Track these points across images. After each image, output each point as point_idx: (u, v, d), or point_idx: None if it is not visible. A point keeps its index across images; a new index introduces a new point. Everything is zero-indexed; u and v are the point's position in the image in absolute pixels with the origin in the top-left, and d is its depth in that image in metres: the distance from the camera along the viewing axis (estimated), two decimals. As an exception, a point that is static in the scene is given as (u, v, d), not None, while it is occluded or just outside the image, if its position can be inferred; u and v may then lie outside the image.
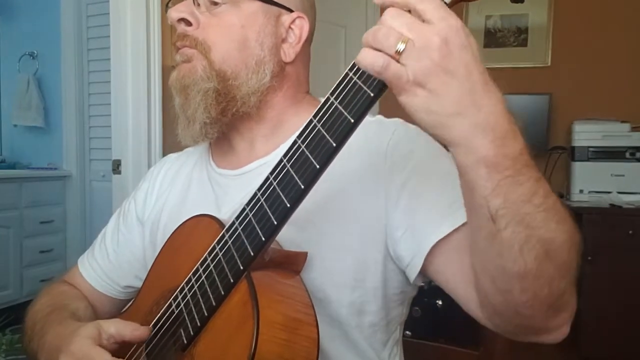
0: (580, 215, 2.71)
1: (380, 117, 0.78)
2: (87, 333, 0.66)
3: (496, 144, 0.47)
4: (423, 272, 0.70)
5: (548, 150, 3.12)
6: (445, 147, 0.50)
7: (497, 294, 0.56)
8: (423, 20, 0.46)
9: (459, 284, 0.65)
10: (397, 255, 0.70)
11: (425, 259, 0.67)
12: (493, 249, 0.52)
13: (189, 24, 0.76)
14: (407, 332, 0.84)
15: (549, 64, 3.21)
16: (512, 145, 0.48)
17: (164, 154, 2.21)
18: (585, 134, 2.92)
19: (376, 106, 0.55)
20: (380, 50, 0.46)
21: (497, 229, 0.49)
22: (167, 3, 0.85)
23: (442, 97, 0.46)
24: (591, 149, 2.91)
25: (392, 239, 0.70)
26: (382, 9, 0.49)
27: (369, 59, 0.46)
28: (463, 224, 0.63)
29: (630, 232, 2.63)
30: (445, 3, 0.48)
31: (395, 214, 0.69)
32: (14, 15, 3.78)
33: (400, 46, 0.45)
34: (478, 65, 0.47)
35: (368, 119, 0.76)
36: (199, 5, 0.76)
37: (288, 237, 0.65)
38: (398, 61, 0.46)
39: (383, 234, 0.70)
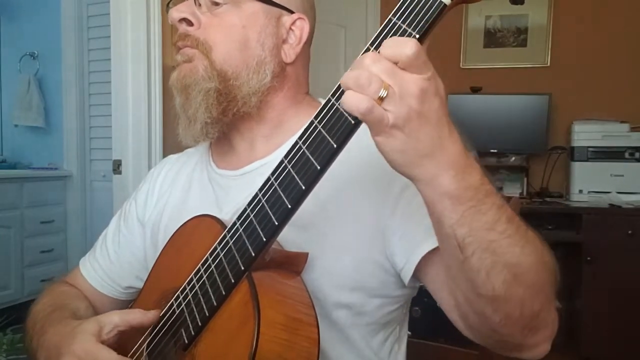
0: (579, 216, 2.71)
1: None
2: (88, 330, 0.66)
3: (457, 178, 0.50)
4: (417, 278, 0.70)
5: (547, 151, 3.13)
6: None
7: (474, 315, 0.58)
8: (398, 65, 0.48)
9: (445, 297, 0.66)
10: (393, 259, 0.71)
11: (419, 266, 0.68)
12: (463, 275, 0.54)
13: (190, 24, 0.76)
14: (407, 332, 0.84)
15: (549, 64, 3.21)
16: (472, 177, 0.51)
17: (165, 154, 2.22)
18: (585, 134, 2.92)
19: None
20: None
21: (465, 256, 0.52)
22: (168, 3, 0.85)
23: (417, 140, 0.49)
24: (590, 149, 2.91)
25: (389, 242, 0.70)
26: (387, 7, 0.50)
27: (354, 102, 0.48)
28: None
29: (630, 232, 2.63)
30: (445, 5, 0.49)
31: (393, 218, 0.70)
32: (14, 15, 3.78)
33: (383, 92, 0.47)
34: (445, 110, 0.50)
35: None
36: (200, 5, 0.76)
37: (289, 237, 0.65)
38: (380, 105, 0.48)
39: (382, 236, 0.71)
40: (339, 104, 0.52)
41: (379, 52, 0.48)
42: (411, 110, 0.47)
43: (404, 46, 0.47)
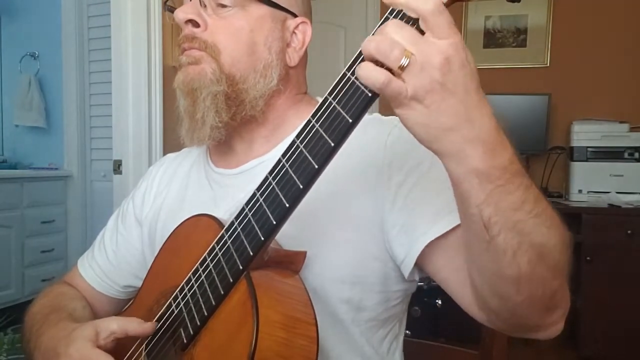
0: (579, 215, 2.71)
1: (377, 115, 0.79)
2: (85, 334, 0.66)
3: (487, 156, 0.48)
4: (421, 270, 0.71)
5: (547, 151, 3.13)
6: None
7: (494, 297, 0.57)
8: (423, 34, 0.47)
9: (456, 283, 0.66)
10: (393, 252, 0.71)
11: (423, 258, 0.68)
12: (487, 255, 0.53)
13: (196, 25, 0.75)
14: (407, 332, 0.84)
15: (548, 64, 3.21)
16: (502, 156, 0.49)
17: (165, 153, 2.21)
18: (584, 134, 2.92)
19: (375, 105, 0.55)
20: (382, 63, 0.47)
21: (491, 236, 0.51)
22: (166, 2, 0.84)
23: (439, 113, 0.47)
24: (590, 149, 2.91)
25: (388, 237, 0.71)
26: (386, 8, 0.49)
27: (371, 76, 0.47)
28: (458, 225, 0.64)
29: (629, 232, 2.63)
30: (443, 3, 0.49)
31: (391, 212, 0.70)
32: (15, 15, 3.78)
33: (404, 61, 0.46)
34: (475, 82, 0.48)
35: (366, 117, 0.77)
36: (205, 6, 0.75)
37: (287, 234, 0.65)
38: (400, 75, 0.46)
39: (381, 231, 0.71)
40: (337, 102, 0.52)
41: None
42: (433, 82, 0.46)
43: (426, 1, 0.46)
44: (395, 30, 0.46)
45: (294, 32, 0.78)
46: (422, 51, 0.46)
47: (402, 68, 0.46)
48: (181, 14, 0.75)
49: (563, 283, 0.57)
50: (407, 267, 0.69)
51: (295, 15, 0.78)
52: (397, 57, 0.46)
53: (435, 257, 0.67)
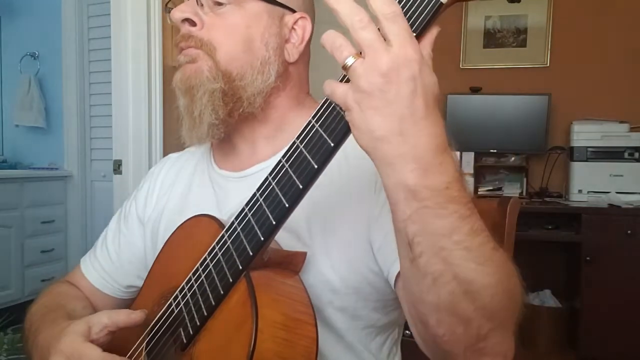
0: (579, 216, 2.71)
1: None
2: (76, 330, 0.66)
3: (415, 174, 0.48)
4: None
5: (547, 151, 3.12)
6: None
7: (418, 322, 0.56)
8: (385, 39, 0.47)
9: (405, 303, 0.64)
10: (379, 265, 0.70)
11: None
12: (412, 275, 0.52)
13: (193, 24, 0.75)
14: (407, 332, 0.84)
15: (548, 64, 3.21)
16: (435, 179, 0.48)
17: (165, 153, 2.22)
18: (584, 134, 2.92)
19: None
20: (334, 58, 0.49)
21: (414, 255, 0.50)
22: (167, 3, 0.84)
23: (371, 120, 0.47)
24: (590, 149, 2.91)
25: (373, 250, 0.70)
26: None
27: (327, 87, 0.50)
28: None
29: (629, 232, 2.63)
30: (442, 3, 0.49)
31: (375, 227, 0.69)
32: (15, 15, 3.78)
33: (349, 60, 0.47)
34: (422, 100, 0.47)
35: None
36: (202, 5, 0.75)
37: (283, 243, 0.65)
38: (346, 74, 0.48)
39: (369, 244, 0.70)
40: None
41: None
42: (373, 86, 0.46)
43: (385, 3, 0.47)
44: (360, 26, 0.47)
45: (293, 27, 0.77)
46: (372, 55, 0.46)
47: (345, 68, 0.47)
48: (177, 14, 0.75)
49: (498, 331, 0.53)
50: (391, 282, 0.68)
51: (293, 11, 0.77)
52: (344, 57, 0.47)
53: (398, 279, 0.66)
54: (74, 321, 0.69)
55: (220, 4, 0.75)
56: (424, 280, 0.51)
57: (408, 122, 0.47)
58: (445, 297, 0.50)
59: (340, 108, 0.50)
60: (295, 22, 0.77)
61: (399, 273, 0.64)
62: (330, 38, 0.49)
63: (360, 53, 0.47)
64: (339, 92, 0.49)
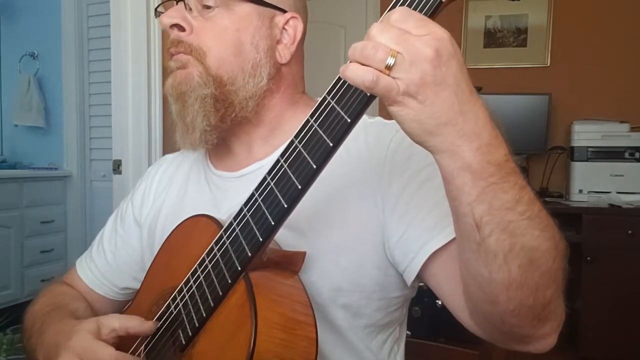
0: (579, 216, 2.71)
1: (380, 118, 0.78)
2: (87, 328, 0.66)
3: (481, 151, 0.47)
4: (419, 276, 0.70)
5: (547, 151, 3.12)
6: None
7: (484, 303, 0.56)
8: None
9: (450, 292, 0.65)
10: (394, 260, 0.70)
11: (422, 267, 0.67)
12: (478, 258, 0.52)
13: (182, 29, 0.75)
14: (407, 332, 0.84)
15: (549, 64, 3.21)
16: (497, 152, 0.48)
17: (164, 153, 2.21)
18: (585, 134, 2.92)
19: (375, 106, 0.55)
20: (372, 66, 0.46)
21: (482, 237, 0.50)
22: (157, 8, 0.83)
23: (433, 107, 0.47)
24: (590, 149, 2.91)
25: (388, 244, 0.70)
26: (386, 6, 0.50)
27: (358, 75, 0.47)
28: None
29: (630, 232, 2.63)
30: (442, 2, 0.48)
31: (391, 220, 0.69)
32: (15, 15, 3.78)
33: (390, 60, 0.46)
34: (464, 74, 0.48)
35: (368, 120, 0.76)
36: (191, 9, 0.75)
37: (285, 241, 0.65)
38: (389, 75, 0.46)
39: (381, 238, 0.70)
40: (335, 101, 0.52)
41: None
42: (425, 75, 0.46)
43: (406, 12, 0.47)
44: (378, 32, 0.47)
45: (284, 28, 0.76)
46: (410, 47, 0.46)
47: (389, 68, 0.46)
48: (166, 19, 0.75)
49: (557, 294, 0.55)
50: (410, 276, 0.68)
51: (284, 11, 0.76)
52: (382, 58, 0.46)
53: (432, 265, 0.67)
54: (84, 320, 0.69)
55: (208, 7, 0.74)
56: (495, 260, 0.51)
57: (465, 99, 0.47)
58: (516, 272, 0.51)
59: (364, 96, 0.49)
60: (286, 23, 0.76)
61: (430, 257, 0.65)
62: (358, 49, 0.47)
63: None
64: (384, 84, 0.46)
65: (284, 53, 0.77)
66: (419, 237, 0.66)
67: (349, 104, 0.51)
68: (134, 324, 0.67)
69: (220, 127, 0.76)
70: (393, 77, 0.46)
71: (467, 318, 0.63)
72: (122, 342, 0.68)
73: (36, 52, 3.75)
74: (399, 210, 0.68)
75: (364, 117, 0.76)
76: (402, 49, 0.46)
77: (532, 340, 0.58)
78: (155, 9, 0.82)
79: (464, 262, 0.56)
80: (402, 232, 0.68)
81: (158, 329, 0.68)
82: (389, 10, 0.49)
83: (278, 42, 0.77)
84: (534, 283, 0.52)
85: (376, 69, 0.46)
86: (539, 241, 0.51)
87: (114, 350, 0.64)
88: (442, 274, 0.66)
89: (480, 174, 0.48)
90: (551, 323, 0.57)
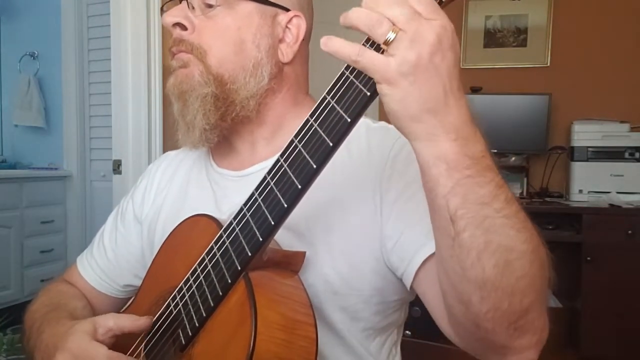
0: (579, 216, 2.71)
1: (383, 123, 0.77)
2: (83, 329, 0.66)
3: (458, 143, 0.48)
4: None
5: (547, 151, 3.12)
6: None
7: (459, 304, 0.55)
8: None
9: (432, 297, 0.64)
10: (392, 265, 0.69)
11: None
12: (453, 254, 0.51)
13: (184, 28, 0.75)
14: (407, 332, 0.84)
15: (549, 64, 3.21)
16: (474, 147, 0.49)
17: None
18: (585, 134, 2.92)
19: (376, 107, 0.55)
20: (370, 35, 0.47)
21: (456, 231, 0.50)
22: (162, 7, 0.84)
23: (420, 92, 0.47)
24: (590, 149, 2.91)
25: (385, 249, 0.69)
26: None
27: (341, 47, 0.48)
28: None
29: (630, 232, 2.63)
30: (442, 2, 0.49)
31: (387, 224, 0.69)
32: (14, 15, 3.78)
33: (391, 35, 0.46)
34: (457, 70, 0.48)
35: (372, 125, 0.76)
36: (193, 8, 0.74)
37: (284, 243, 0.65)
38: (386, 49, 0.46)
39: (378, 242, 0.70)
40: (335, 101, 0.52)
41: None
42: (421, 58, 0.46)
43: None
44: (389, 6, 0.46)
45: (286, 27, 0.76)
46: (415, 26, 0.46)
47: (387, 43, 0.46)
48: (168, 18, 0.75)
49: (537, 304, 0.53)
50: (408, 281, 0.68)
51: (287, 10, 0.76)
52: (385, 32, 0.46)
53: (420, 272, 0.66)
54: (80, 320, 0.69)
55: (210, 6, 0.74)
56: (468, 256, 0.50)
57: (451, 93, 0.48)
58: (491, 271, 0.50)
59: (365, 81, 0.49)
60: (289, 21, 0.76)
61: (422, 264, 0.64)
62: (363, 14, 0.47)
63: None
64: (379, 63, 0.46)
65: (287, 52, 0.76)
66: (413, 242, 0.66)
67: (349, 104, 0.51)
68: (127, 322, 0.67)
69: (221, 125, 0.75)
70: (390, 54, 0.46)
71: (446, 325, 0.62)
72: (121, 342, 0.68)
73: (36, 52, 3.75)
74: (395, 215, 0.68)
75: (368, 121, 0.77)
76: (407, 26, 0.46)
77: (509, 352, 0.56)
78: (161, 8, 0.82)
79: (440, 261, 0.56)
80: (397, 237, 0.68)
81: (158, 329, 0.68)
82: None
83: (281, 41, 0.76)
84: (509, 286, 0.50)
85: (375, 41, 0.47)
86: (515, 242, 0.50)
87: (110, 351, 0.64)
88: (427, 280, 0.65)
89: (455, 164, 0.48)
90: (530, 336, 0.55)
